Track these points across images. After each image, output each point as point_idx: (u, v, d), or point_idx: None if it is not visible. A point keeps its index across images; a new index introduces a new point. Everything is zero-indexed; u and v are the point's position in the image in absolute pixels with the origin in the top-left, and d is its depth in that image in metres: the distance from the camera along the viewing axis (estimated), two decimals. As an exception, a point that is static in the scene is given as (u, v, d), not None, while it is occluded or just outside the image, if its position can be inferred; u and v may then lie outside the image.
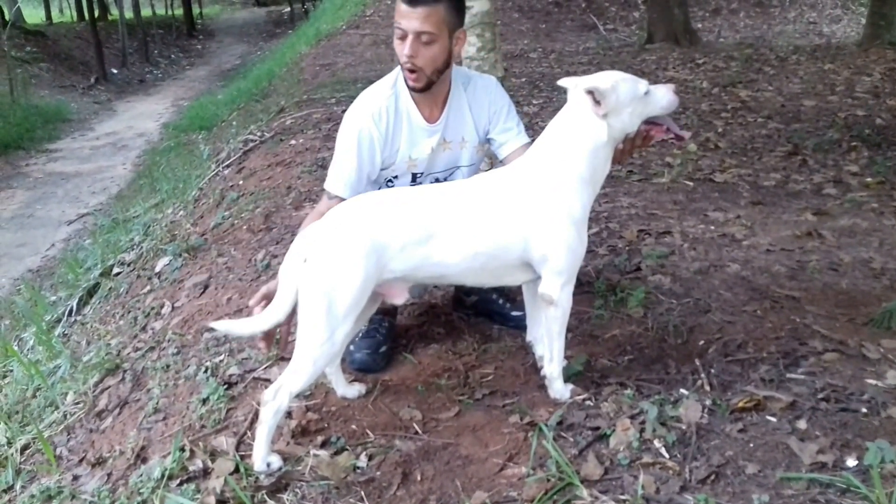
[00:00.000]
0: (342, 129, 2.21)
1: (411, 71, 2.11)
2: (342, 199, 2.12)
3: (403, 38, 2.08)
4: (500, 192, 1.97)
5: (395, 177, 2.27)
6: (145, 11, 21.71)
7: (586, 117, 1.94)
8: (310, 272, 1.83)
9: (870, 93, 6.68)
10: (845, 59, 8.45)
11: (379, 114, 2.17)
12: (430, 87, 2.16)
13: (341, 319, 1.82)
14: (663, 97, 2.00)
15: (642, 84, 1.97)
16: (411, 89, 2.17)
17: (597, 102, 1.91)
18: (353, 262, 1.83)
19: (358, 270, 1.82)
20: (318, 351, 1.82)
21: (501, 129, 2.29)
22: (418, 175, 2.29)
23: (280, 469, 1.84)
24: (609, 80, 1.93)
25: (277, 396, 1.82)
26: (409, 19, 2.05)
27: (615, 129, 1.95)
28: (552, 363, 2.03)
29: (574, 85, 1.97)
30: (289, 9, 26.01)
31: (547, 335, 2.02)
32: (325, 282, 1.81)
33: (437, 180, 2.32)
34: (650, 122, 2.01)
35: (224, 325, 1.93)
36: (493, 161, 2.59)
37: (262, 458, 1.84)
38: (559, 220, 1.93)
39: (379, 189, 2.29)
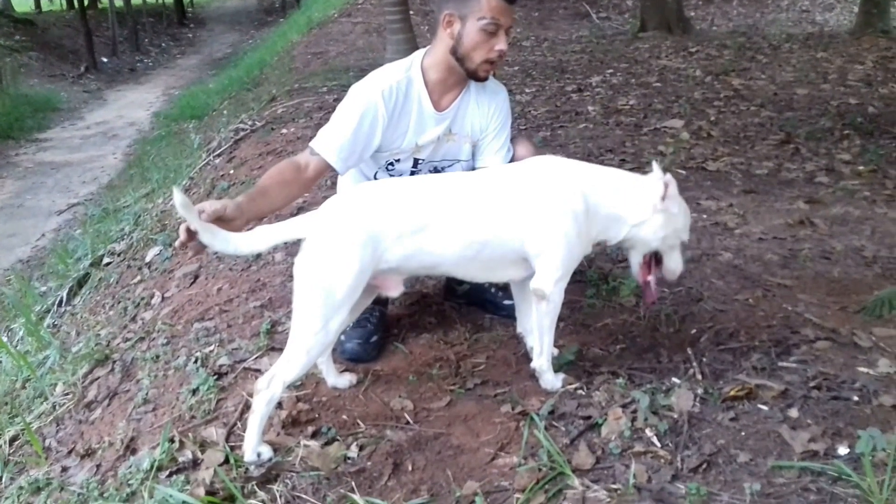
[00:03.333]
0: (347, 98, 2.16)
1: (493, 63, 2.14)
2: (324, 161, 2.08)
3: (495, 33, 2.08)
4: (503, 185, 1.97)
5: (398, 160, 2.26)
6: (135, 0, 21.54)
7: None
8: (306, 262, 1.82)
9: (862, 81, 6.68)
10: (838, 47, 8.45)
11: (390, 91, 2.14)
12: None
13: (336, 309, 1.81)
14: (678, 260, 2.08)
15: (682, 236, 2.07)
16: (481, 79, 2.19)
17: (663, 197, 1.96)
18: (349, 252, 1.82)
19: (354, 260, 1.81)
20: (312, 340, 1.81)
21: (488, 140, 2.28)
22: (420, 161, 2.28)
23: (270, 460, 1.83)
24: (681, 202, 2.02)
25: (271, 385, 1.81)
26: (507, 15, 2.09)
27: (651, 228, 1.99)
28: (541, 356, 2.02)
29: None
30: (280, -3, 25.87)
31: (538, 329, 2.01)
32: (322, 271, 1.81)
33: (435, 169, 2.31)
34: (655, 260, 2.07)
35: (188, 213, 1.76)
36: None
37: (253, 448, 1.82)
38: (561, 214, 1.92)
39: (378, 169, 2.28)
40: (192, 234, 1.77)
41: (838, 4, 13.46)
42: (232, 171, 4.88)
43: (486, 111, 2.27)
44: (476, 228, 1.91)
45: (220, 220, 1.84)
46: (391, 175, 2.30)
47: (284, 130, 5.46)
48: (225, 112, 8.23)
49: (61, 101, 12.36)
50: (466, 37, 2.10)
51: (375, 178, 2.31)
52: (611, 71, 7.50)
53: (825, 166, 4.28)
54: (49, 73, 14.28)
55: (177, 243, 1.82)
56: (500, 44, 2.10)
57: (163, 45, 20.17)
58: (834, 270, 2.76)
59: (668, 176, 1.97)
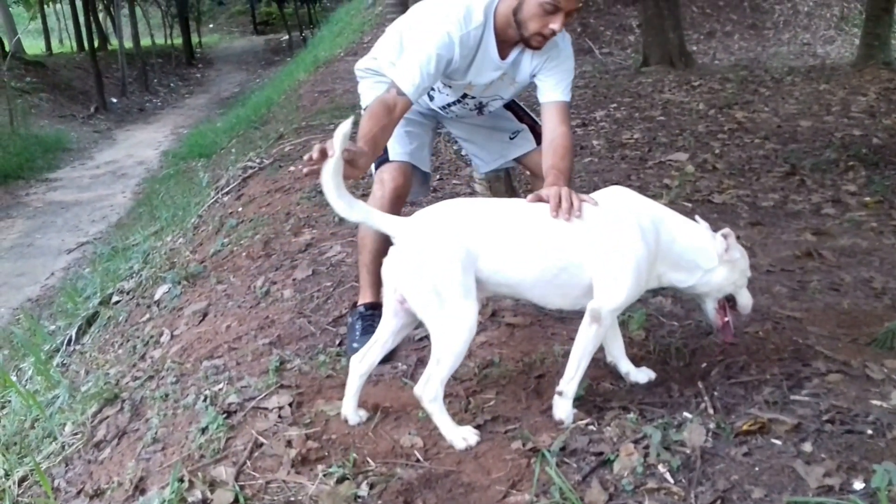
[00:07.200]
0: (432, 33, 2.26)
1: (545, 38, 2.25)
2: (410, 100, 2.21)
3: (553, 12, 2.19)
4: (590, 215, 2.02)
5: (449, 87, 2.44)
6: (145, 41, 21.85)
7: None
8: (408, 270, 1.93)
9: (865, 112, 6.71)
10: (840, 79, 8.50)
11: (468, 36, 2.27)
12: None
13: (460, 299, 1.89)
14: (748, 295, 2.20)
15: (747, 274, 2.17)
16: (534, 48, 2.31)
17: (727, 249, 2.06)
18: (443, 251, 1.91)
19: (450, 256, 1.90)
20: (456, 338, 1.91)
21: (546, 77, 2.41)
22: (467, 96, 2.46)
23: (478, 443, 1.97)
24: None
25: (427, 388, 1.95)
26: (570, 0, 2.19)
27: (718, 275, 2.09)
28: (572, 381, 2.02)
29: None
30: (287, 37, 26.21)
31: (578, 352, 2.01)
32: (427, 272, 1.90)
33: (479, 104, 2.53)
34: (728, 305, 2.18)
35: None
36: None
37: (456, 434, 1.97)
38: (634, 239, 1.97)
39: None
40: (322, 157, 1.85)
41: (839, 37, 13.59)
42: (240, 209, 4.91)
43: (541, 60, 2.39)
44: (554, 252, 1.97)
45: (348, 165, 1.93)
46: (430, 103, 2.54)
47: (292, 168, 5.50)
48: (233, 150, 8.31)
49: (71, 142, 12.49)
50: (527, 5, 2.22)
51: None
52: (615, 105, 7.56)
53: (831, 198, 4.29)
54: (59, 114, 14.47)
55: (305, 157, 1.90)
56: (555, 24, 2.20)
57: (171, 84, 20.43)
58: (843, 302, 2.75)
59: (727, 229, 2.06)
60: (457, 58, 2.27)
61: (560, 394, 2.03)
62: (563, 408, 2.03)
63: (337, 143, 1.83)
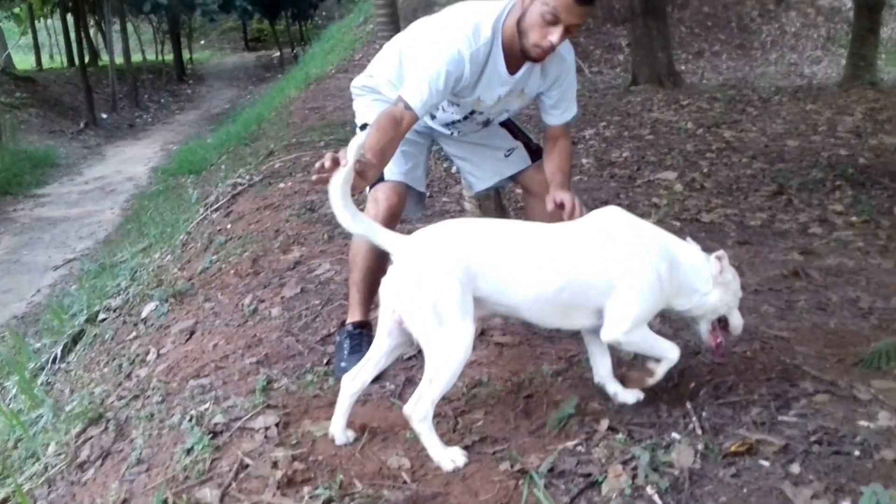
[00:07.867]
0: (440, 48, 2.26)
1: (544, 50, 2.25)
2: (416, 115, 2.21)
3: (553, 23, 2.18)
4: (584, 232, 2.07)
5: (457, 104, 2.43)
6: (135, 57, 21.85)
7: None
8: (407, 289, 1.92)
9: (852, 132, 6.77)
10: (827, 99, 8.58)
11: (477, 55, 2.27)
12: None
13: (458, 319, 1.89)
14: (739, 315, 2.23)
15: (739, 295, 2.20)
16: (534, 60, 2.31)
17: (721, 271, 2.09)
18: (443, 270, 1.90)
19: (450, 275, 1.90)
20: (451, 359, 1.91)
21: (554, 99, 2.47)
22: (475, 112, 2.46)
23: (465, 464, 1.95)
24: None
25: (419, 405, 1.94)
26: (571, 14, 2.18)
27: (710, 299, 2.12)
28: (662, 364, 2.10)
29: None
30: (278, 53, 26.28)
31: (645, 353, 2.09)
32: (426, 291, 1.89)
33: (487, 120, 2.55)
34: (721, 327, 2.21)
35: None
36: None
37: (444, 456, 1.95)
38: (645, 263, 2.00)
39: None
40: (334, 166, 1.86)
41: (826, 57, 13.74)
42: (229, 226, 4.90)
43: (552, 75, 2.43)
44: (556, 272, 1.98)
45: (357, 176, 1.95)
46: (431, 122, 2.54)
47: (282, 185, 5.50)
48: (223, 167, 8.30)
49: (60, 157, 12.43)
50: (529, 14, 2.22)
51: None
52: (604, 124, 7.60)
53: (818, 217, 4.32)
54: (48, 130, 14.40)
55: (317, 164, 1.90)
56: (553, 36, 2.20)
57: (162, 100, 20.41)
58: (830, 322, 2.76)
59: (721, 251, 2.09)
60: (467, 74, 2.27)
61: (651, 372, 2.11)
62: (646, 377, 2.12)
63: (351, 153, 1.85)
